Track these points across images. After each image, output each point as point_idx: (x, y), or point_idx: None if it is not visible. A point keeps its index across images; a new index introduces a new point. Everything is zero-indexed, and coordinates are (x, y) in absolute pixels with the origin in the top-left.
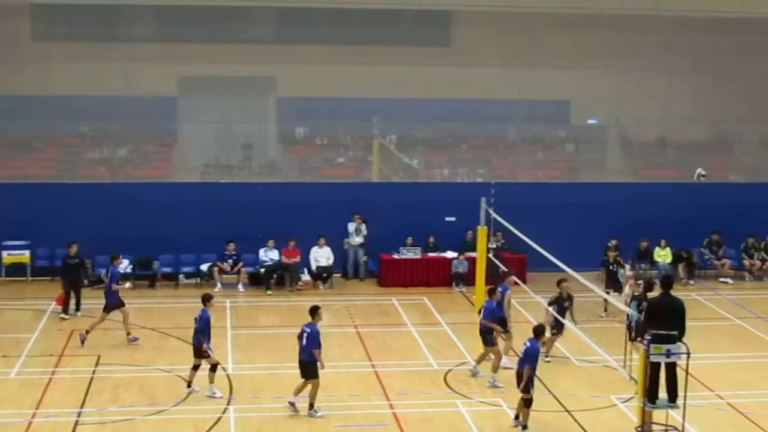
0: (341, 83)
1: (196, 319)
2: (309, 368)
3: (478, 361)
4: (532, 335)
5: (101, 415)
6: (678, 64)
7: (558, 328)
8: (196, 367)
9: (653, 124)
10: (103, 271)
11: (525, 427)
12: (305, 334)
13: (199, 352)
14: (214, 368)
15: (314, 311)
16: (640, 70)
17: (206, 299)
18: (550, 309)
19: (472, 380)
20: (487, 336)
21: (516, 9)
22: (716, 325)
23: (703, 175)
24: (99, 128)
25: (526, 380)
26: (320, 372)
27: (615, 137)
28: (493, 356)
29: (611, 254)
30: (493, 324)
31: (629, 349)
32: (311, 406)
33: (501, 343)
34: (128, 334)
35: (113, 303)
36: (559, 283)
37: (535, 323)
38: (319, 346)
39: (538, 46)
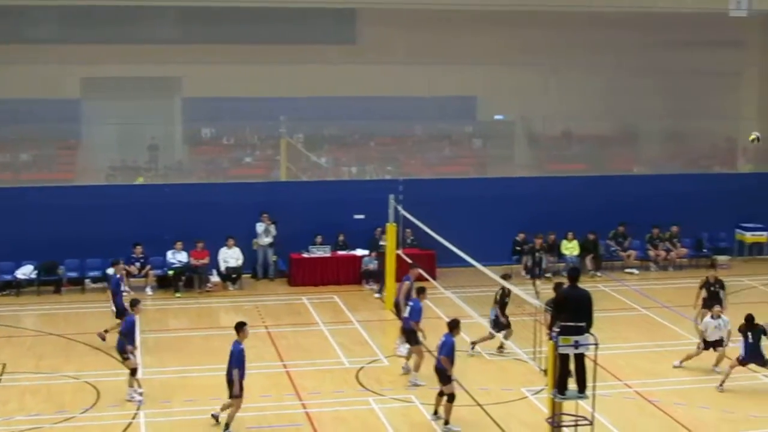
0: (247, 83)
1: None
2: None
3: (407, 358)
4: (446, 330)
5: (8, 425)
6: (581, 59)
7: (502, 325)
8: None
9: (558, 119)
10: (7, 277)
11: (447, 422)
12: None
13: (123, 355)
14: (134, 372)
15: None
16: (544, 65)
17: (133, 304)
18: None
19: (383, 378)
20: (411, 335)
21: (422, 6)
22: (623, 315)
23: (758, 139)
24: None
25: (450, 370)
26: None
27: (521, 132)
28: (415, 355)
29: (537, 241)
30: (418, 326)
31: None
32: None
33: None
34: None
35: (122, 308)
36: (504, 278)
37: (447, 319)
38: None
39: (445, 43)
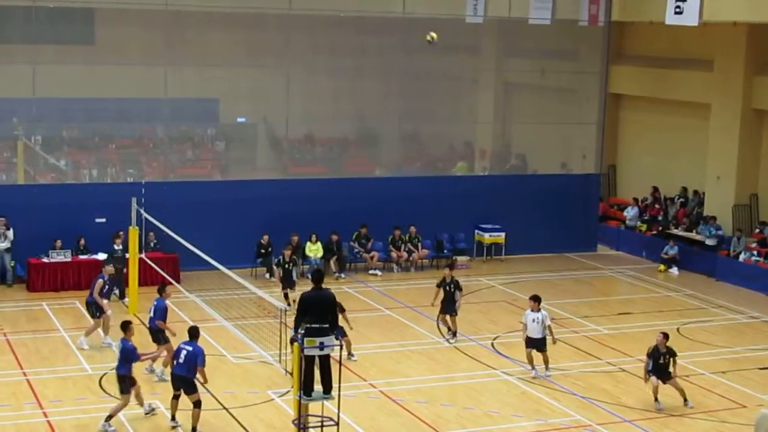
0: None
1: None
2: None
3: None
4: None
5: None
6: (322, 62)
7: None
8: None
9: (301, 122)
10: None
11: (194, 429)
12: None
13: None
14: None
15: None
16: (285, 68)
17: None
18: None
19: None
20: (159, 335)
21: (159, 7)
22: (367, 316)
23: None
24: None
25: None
26: None
27: (264, 135)
28: (165, 353)
29: (287, 253)
30: (165, 324)
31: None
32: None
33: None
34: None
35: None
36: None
37: (192, 322)
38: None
39: (184, 44)
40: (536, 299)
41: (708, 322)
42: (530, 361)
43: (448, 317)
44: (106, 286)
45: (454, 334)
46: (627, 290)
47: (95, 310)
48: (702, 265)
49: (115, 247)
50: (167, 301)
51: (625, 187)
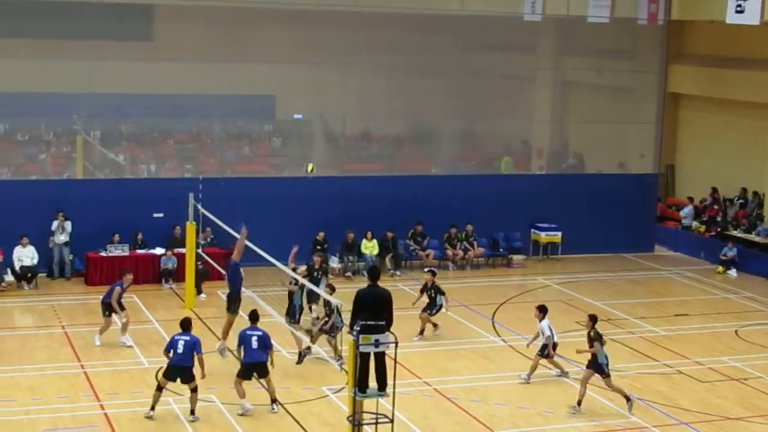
0: (43, 78)
1: None
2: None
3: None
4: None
5: None
6: (377, 59)
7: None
8: None
9: (357, 119)
10: None
11: (193, 412)
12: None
13: None
14: None
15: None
16: (342, 65)
17: None
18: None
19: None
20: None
21: (219, 4)
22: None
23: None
24: None
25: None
26: (25, 375)
27: (320, 132)
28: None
29: (316, 260)
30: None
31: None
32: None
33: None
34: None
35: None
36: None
37: (246, 318)
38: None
39: (242, 41)
40: (542, 309)
41: (766, 324)
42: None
43: (426, 315)
44: (123, 294)
45: (435, 326)
46: (684, 291)
47: (105, 309)
48: (761, 267)
49: (200, 242)
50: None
51: (684, 187)
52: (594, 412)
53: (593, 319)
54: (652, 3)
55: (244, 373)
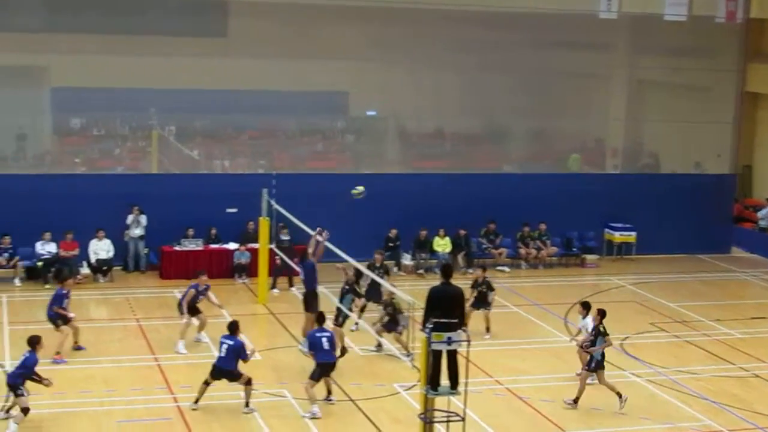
0: (118, 74)
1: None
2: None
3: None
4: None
5: None
6: (449, 57)
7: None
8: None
9: (429, 116)
10: None
11: (247, 404)
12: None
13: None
14: (25, 411)
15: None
16: (414, 62)
17: (34, 342)
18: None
19: (255, 372)
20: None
21: (293, 0)
22: (494, 312)
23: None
24: None
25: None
26: (100, 366)
27: (393, 129)
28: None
29: (377, 257)
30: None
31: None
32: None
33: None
34: None
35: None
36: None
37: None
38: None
39: (316, 38)
40: (585, 306)
41: None
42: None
43: (479, 312)
44: (199, 297)
45: (487, 330)
46: (761, 294)
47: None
48: None
49: (282, 237)
50: None
51: (761, 188)
52: (667, 415)
53: (602, 314)
54: (731, 1)
55: (320, 375)
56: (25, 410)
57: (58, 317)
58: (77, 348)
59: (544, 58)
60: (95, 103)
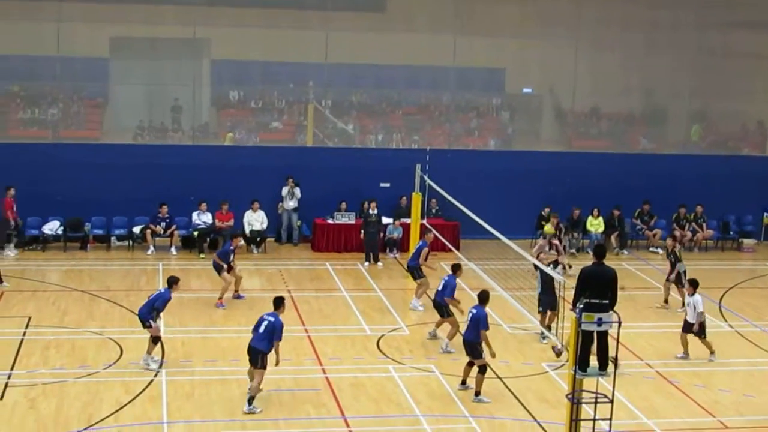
0: (277, 47)
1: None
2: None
3: (437, 325)
4: (477, 302)
5: (31, 377)
6: (611, 35)
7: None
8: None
9: (586, 95)
10: (34, 232)
11: (478, 393)
12: (264, 324)
13: (146, 324)
14: (156, 340)
15: (279, 302)
16: (574, 40)
17: (172, 282)
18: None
19: (404, 346)
20: (443, 309)
21: None
22: (646, 295)
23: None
24: (29, 88)
25: (488, 345)
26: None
27: (549, 107)
28: (450, 326)
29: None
30: (453, 301)
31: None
32: (251, 400)
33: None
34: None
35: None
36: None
37: (470, 290)
38: (280, 339)
39: (474, 14)
40: (693, 283)
41: None
42: (684, 345)
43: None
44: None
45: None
46: None
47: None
48: None
49: (370, 212)
50: (457, 280)
51: None
52: None
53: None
54: None
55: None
56: (156, 339)
57: (220, 268)
58: (237, 296)
59: (706, 38)
60: (253, 77)
